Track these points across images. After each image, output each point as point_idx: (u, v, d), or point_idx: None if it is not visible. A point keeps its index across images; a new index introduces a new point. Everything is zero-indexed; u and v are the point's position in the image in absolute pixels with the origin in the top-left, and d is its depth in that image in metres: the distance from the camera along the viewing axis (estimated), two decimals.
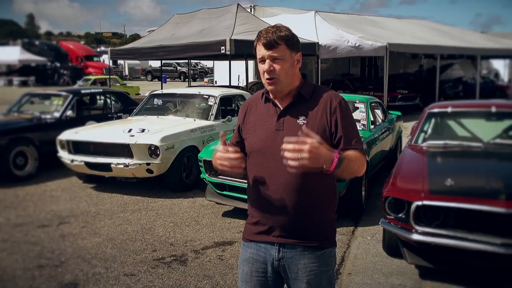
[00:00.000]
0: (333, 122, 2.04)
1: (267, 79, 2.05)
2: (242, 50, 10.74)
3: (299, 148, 1.75)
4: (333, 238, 2.15)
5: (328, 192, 2.11)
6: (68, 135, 7.10)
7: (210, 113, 7.68)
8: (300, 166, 1.77)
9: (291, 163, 1.77)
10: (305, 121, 2.05)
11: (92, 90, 10.67)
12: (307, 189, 2.02)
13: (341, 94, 2.27)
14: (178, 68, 42.05)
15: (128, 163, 6.47)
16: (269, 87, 2.07)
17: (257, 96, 2.23)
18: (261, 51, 2.04)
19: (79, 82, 26.94)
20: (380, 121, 7.54)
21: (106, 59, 30.41)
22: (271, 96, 2.13)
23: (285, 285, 2.20)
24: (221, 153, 2.01)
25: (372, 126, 6.73)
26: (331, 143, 2.05)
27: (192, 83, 23.68)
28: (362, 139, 5.94)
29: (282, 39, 2.02)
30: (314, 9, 16.65)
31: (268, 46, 2.01)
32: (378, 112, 7.76)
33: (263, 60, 2.05)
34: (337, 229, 5.19)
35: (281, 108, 2.10)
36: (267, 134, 2.09)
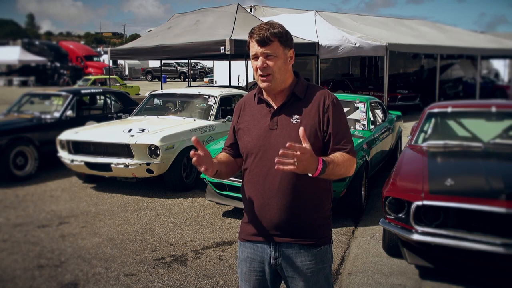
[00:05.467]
0: (325, 120, 2.06)
1: (261, 75, 2.05)
2: (242, 50, 10.72)
3: (292, 154, 1.76)
4: (328, 235, 2.16)
5: (322, 190, 2.11)
6: (68, 135, 7.10)
7: (210, 113, 7.68)
8: (287, 170, 1.80)
9: (280, 166, 1.78)
10: (299, 120, 2.05)
11: (92, 90, 10.65)
12: (302, 187, 2.03)
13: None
14: (178, 68, 42.04)
15: (128, 163, 6.47)
16: (263, 84, 2.07)
17: (250, 96, 2.23)
18: (254, 48, 2.04)
19: (79, 82, 26.91)
20: (380, 121, 7.54)
21: (106, 59, 30.41)
22: (264, 95, 2.14)
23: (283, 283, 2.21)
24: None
25: (372, 126, 6.73)
26: (322, 141, 2.06)
27: (192, 83, 23.67)
28: (362, 139, 6.04)
29: (275, 36, 2.02)
30: (320, 9, 16.69)
31: (261, 43, 2.02)
32: (378, 112, 7.75)
33: (256, 57, 2.05)
34: (337, 229, 5.23)
35: (275, 107, 2.11)
36: (260, 133, 2.09)
